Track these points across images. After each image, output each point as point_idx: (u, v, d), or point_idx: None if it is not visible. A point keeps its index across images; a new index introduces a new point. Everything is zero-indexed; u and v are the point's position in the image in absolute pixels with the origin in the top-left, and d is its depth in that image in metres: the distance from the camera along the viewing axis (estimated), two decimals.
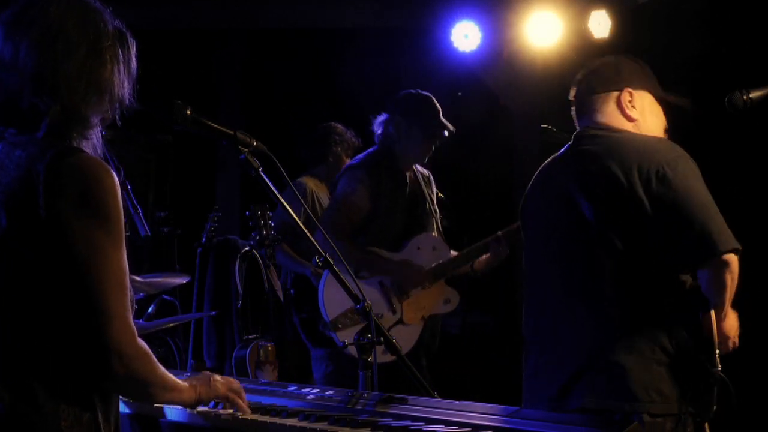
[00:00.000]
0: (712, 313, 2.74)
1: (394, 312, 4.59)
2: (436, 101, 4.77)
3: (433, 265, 4.67)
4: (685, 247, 2.69)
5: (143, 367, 1.99)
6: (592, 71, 3.03)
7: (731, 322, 2.83)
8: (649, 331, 2.71)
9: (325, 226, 4.55)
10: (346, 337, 4.21)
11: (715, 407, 2.71)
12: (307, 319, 5.29)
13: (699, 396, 2.72)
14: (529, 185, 3.14)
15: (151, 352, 2.02)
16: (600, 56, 3.12)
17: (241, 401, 2.29)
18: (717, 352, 2.74)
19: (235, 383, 2.30)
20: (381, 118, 4.78)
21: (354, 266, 4.51)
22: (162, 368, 2.06)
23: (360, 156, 4.80)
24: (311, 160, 5.69)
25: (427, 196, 4.84)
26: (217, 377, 2.27)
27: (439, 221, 4.87)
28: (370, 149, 4.80)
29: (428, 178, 4.91)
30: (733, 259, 2.66)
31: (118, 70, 2.06)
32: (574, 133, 3.01)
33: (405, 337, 4.55)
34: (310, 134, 5.73)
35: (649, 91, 2.99)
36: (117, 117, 2.10)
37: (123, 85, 2.07)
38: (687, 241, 2.67)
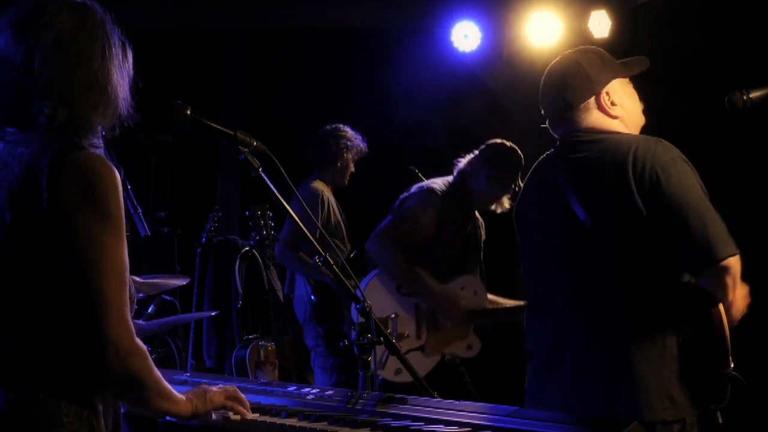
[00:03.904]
0: (720, 307, 2.70)
1: (418, 337, 4.62)
2: (518, 156, 4.81)
3: (470, 309, 4.71)
4: (682, 256, 2.66)
5: (139, 364, 1.99)
6: (562, 86, 2.91)
7: (739, 303, 2.73)
8: (656, 335, 2.68)
9: (382, 233, 4.58)
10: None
11: (728, 400, 2.68)
12: (330, 330, 5.30)
13: (710, 393, 2.69)
14: (522, 189, 3.10)
15: (147, 352, 2.02)
16: (553, 61, 2.99)
17: (240, 406, 2.27)
18: (729, 349, 2.70)
19: (231, 389, 2.28)
20: (473, 158, 4.81)
21: (399, 279, 4.54)
22: (158, 373, 2.05)
23: (438, 181, 4.82)
24: (319, 162, 5.64)
25: (479, 242, 4.92)
26: (213, 388, 2.25)
27: (482, 268, 4.93)
28: (449, 178, 4.84)
29: (482, 224, 4.98)
30: (732, 262, 2.63)
31: (122, 79, 2.12)
32: (561, 137, 2.94)
33: (419, 365, 4.55)
34: (318, 136, 5.67)
35: (615, 77, 2.92)
36: (117, 124, 2.14)
37: (125, 92, 2.13)
38: (684, 250, 2.64)
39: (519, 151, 4.83)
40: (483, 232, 5.01)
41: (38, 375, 1.94)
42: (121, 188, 2.00)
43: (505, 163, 4.78)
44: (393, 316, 4.50)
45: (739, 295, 2.74)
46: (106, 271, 1.95)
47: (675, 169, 2.67)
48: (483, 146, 4.86)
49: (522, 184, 3.14)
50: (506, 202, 4.84)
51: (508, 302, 4.88)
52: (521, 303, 4.67)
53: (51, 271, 1.95)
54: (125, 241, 2.00)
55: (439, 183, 4.81)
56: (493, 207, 4.86)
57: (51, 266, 1.95)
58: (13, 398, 1.93)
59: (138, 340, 2.00)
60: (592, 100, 2.89)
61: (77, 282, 1.95)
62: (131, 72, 2.16)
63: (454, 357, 4.80)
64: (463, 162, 4.85)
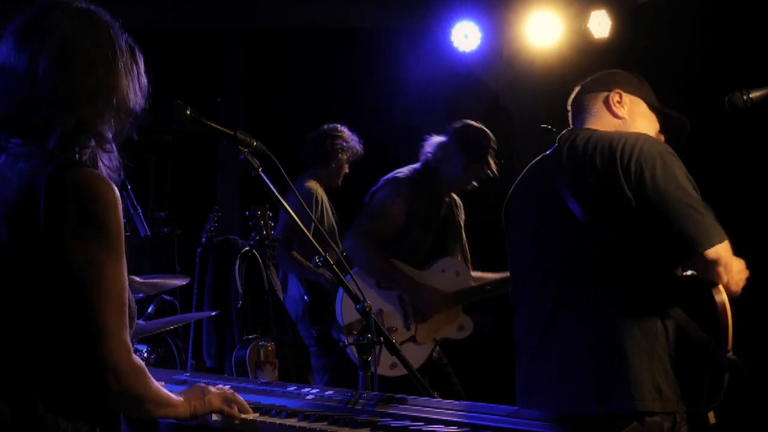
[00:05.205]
0: (721, 288, 2.68)
1: (408, 328, 4.60)
2: (491, 140, 4.78)
3: (454, 290, 4.69)
4: (666, 247, 2.68)
5: (137, 383, 1.98)
6: (590, 79, 3.07)
7: (735, 277, 2.71)
8: (646, 327, 2.70)
9: (356, 232, 4.58)
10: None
11: (721, 396, 2.68)
12: (323, 331, 5.30)
13: (702, 388, 2.69)
14: (513, 187, 3.13)
15: (145, 368, 2.01)
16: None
17: (236, 412, 2.26)
18: (730, 333, 2.68)
19: (229, 393, 2.27)
20: (436, 138, 4.81)
21: (377, 277, 4.54)
22: (156, 383, 2.05)
23: (404, 170, 4.81)
24: (313, 161, 5.67)
25: (458, 223, 4.88)
26: (211, 389, 2.25)
27: (464, 248, 4.90)
28: (416, 165, 4.83)
29: (459, 205, 4.96)
30: (719, 252, 2.63)
31: (131, 85, 2.08)
32: (559, 136, 3.00)
33: (414, 356, 4.57)
34: (315, 135, 5.69)
35: (643, 99, 3.01)
36: (134, 132, 2.12)
37: (136, 99, 2.09)
38: (667, 241, 2.66)
39: (489, 133, 4.80)
40: (462, 213, 4.96)
41: (36, 391, 1.92)
42: (121, 206, 1.96)
43: (483, 154, 4.75)
44: (377, 312, 4.48)
45: (735, 270, 2.73)
46: (104, 293, 1.92)
47: (659, 161, 2.69)
48: (454, 131, 4.80)
49: (516, 184, 3.16)
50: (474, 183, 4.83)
51: (494, 275, 4.80)
52: (506, 274, 4.62)
53: (47, 291, 1.92)
54: (124, 261, 1.96)
55: (405, 171, 4.79)
56: (463, 188, 4.84)
57: (47, 286, 1.91)
58: (10, 414, 1.90)
59: (134, 358, 1.98)
60: (603, 93, 2.99)
61: (74, 303, 1.91)
62: (142, 76, 2.12)
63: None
64: (431, 146, 4.81)
